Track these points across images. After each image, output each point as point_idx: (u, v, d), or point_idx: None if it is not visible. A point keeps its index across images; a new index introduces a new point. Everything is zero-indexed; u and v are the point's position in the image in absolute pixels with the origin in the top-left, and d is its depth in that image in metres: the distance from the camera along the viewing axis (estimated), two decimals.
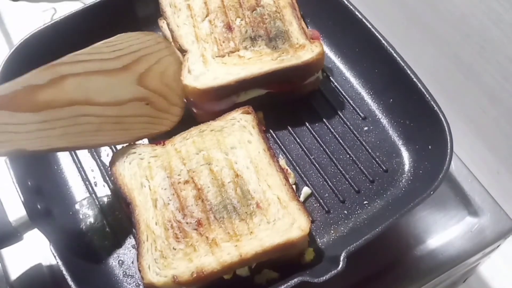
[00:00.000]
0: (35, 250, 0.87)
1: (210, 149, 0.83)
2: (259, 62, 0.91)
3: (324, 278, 0.70)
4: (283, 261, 0.79)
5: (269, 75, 0.90)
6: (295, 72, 0.91)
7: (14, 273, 0.87)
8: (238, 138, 0.85)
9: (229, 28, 0.95)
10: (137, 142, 0.86)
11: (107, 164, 0.92)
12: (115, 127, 0.81)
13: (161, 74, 0.88)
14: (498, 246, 0.93)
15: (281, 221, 0.76)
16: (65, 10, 1.00)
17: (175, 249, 0.75)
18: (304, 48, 0.92)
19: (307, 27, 0.99)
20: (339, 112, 0.97)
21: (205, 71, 0.90)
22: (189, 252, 0.74)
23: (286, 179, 0.81)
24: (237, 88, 0.90)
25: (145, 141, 0.95)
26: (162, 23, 1.01)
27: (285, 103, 0.96)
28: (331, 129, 0.95)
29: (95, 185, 0.91)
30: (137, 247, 0.76)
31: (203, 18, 0.97)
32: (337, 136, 0.94)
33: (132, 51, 0.85)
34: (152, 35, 0.92)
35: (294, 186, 0.85)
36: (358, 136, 0.94)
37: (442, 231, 0.91)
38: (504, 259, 1.12)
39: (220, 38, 0.94)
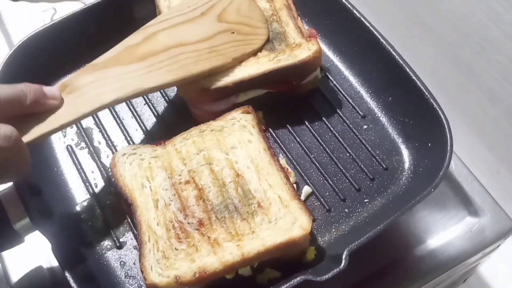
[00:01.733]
0: (36, 253, 0.87)
1: (211, 149, 0.83)
2: (256, 63, 0.91)
3: (326, 276, 0.70)
4: (284, 260, 0.79)
5: (266, 75, 0.90)
6: (292, 72, 0.91)
7: (15, 276, 0.87)
8: (238, 138, 0.85)
9: None
10: (138, 144, 0.86)
11: (108, 165, 0.92)
12: (211, 55, 0.89)
13: (237, 10, 0.96)
14: (498, 246, 0.93)
15: (282, 220, 0.76)
16: (65, 10, 1.00)
17: (177, 250, 0.75)
18: (301, 47, 0.92)
19: (304, 26, 0.99)
20: (338, 111, 0.97)
21: None
22: (191, 252, 0.74)
23: (287, 178, 0.81)
24: (235, 89, 0.90)
25: (146, 141, 0.95)
26: None
27: (285, 103, 0.97)
28: (331, 128, 0.95)
29: (96, 187, 0.90)
30: (139, 248, 0.76)
31: None
32: (336, 134, 0.94)
33: (205, 2, 0.94)
34: None
35: (294, 185, 0.85)
36: (357, 134, 0.94)
37: (442, 231, 0.90)
38: (504, 259, 1.12)
39: None
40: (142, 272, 0.74)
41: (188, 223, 0.77)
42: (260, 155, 0.83)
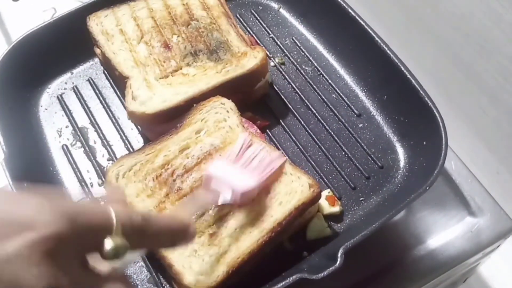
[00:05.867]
0: None
1: (194, 149, 0.82)
2: (205, 77, 0.89)
3: (322, 274, 0.69)
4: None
5: (217, 88, 0.88)
6: (242, 81, 0.90)
7: None
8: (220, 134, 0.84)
9: (167, 46, 0.92)
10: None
11: (103, 164, 0.92)
12: None
13: None
14: (498, 246, 0.93)
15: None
16: (65, 9, 1.00)
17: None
18: (247, 55, 0.91)
19: (245, 34, 0.98)
20: (333, 110, 0.97)
21: (151, 95, 0.87)
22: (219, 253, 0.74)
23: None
24: (187, 107, 0.87)
25: (141, 141, 0.95)
26: (99, 52, 0.97)
27: (281, 101, 0.97)
28: (326, 127, 0.95)
29: (92, 186, 0.90)
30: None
31: (139, 40, 0.94)
32: (332, 133, 0.95)
33: None
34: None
35: None
36: (353, 133, 0.95)
37: (442, 231, 0.90)
38: (504, 259, 1.11)
39: (160, 58, 0.91)
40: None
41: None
42: None
